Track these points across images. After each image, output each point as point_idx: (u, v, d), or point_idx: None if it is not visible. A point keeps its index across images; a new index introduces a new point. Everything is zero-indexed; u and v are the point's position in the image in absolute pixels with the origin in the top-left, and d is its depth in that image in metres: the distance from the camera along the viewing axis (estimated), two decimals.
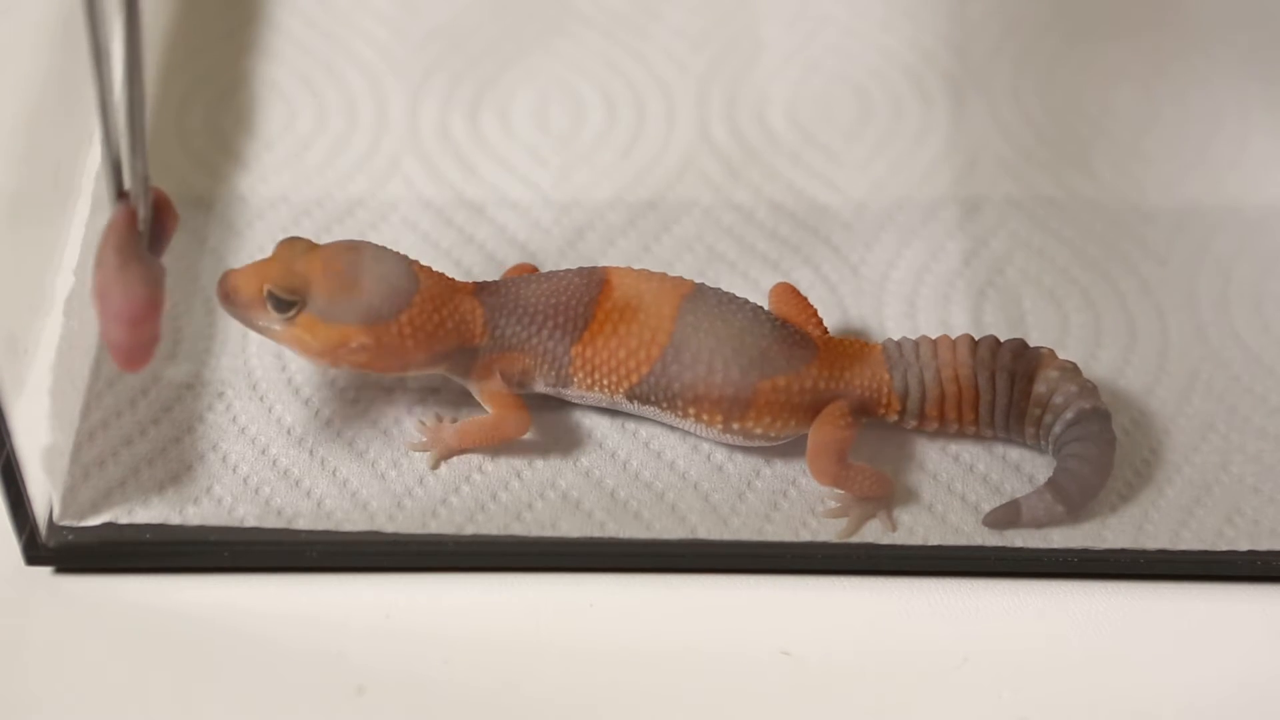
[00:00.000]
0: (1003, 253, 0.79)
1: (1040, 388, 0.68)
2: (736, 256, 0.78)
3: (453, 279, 0.69)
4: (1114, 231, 0.80)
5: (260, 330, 0.67)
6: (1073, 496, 0.67)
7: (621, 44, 0.89)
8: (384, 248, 0.68)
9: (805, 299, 0.72)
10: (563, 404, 0.71)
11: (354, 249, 0.67)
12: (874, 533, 0.68)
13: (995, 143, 0.84)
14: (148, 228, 0.62)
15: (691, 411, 0.68)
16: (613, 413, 0.71)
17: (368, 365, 0.67)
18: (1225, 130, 0.85)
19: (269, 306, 0.65)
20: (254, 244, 0.77)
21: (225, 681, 0.64)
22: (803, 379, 0.68)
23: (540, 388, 0.69)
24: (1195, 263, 0.79)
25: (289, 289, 0.65)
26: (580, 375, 0.68)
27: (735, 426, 0.68)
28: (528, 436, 0.70)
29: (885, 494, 0.68)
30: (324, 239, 0.77)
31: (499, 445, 0.69)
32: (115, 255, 0.61)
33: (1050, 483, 0.68)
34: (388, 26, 0.89)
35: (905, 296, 0.77)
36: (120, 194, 0.61)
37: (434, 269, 0.69)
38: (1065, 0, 0.92)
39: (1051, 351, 0.69)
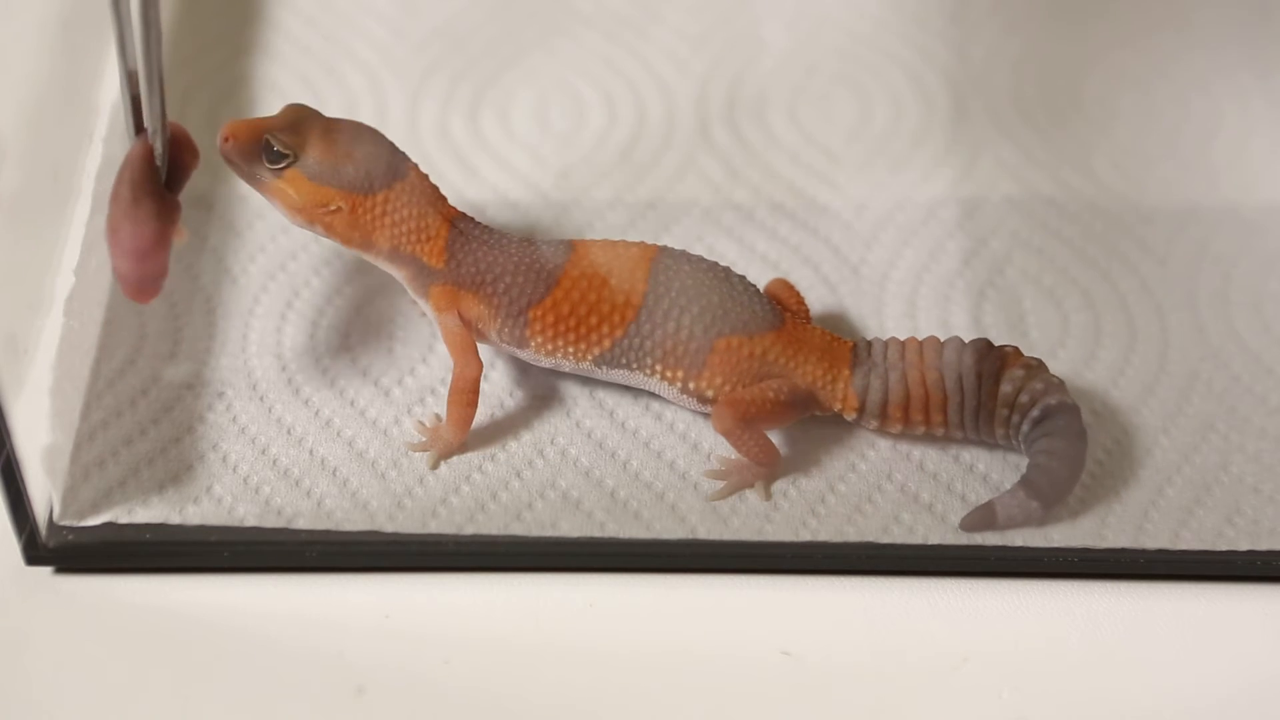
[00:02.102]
0: (1003, 253, 0.79)
1: (1006, 387, 0.68)
2: (736, 256, 0.78)
3: (444, 197, 0.70)
4: (1114, 231, 0.80)
5: (248, 178, 0.68)
6: (1046, 492, 0.67)
7: (621, 44, 0.89)
8: (387, 138, 0.70)
9: (798, 293, 0.72)
10: (563, 402, 0.71)
11: (359, 126, 0.70)
12: (874, 532, 0.68)
13: (995, 143, 0.84)
14: (164, 164, 0.65)
15: (658, 369, 0.68)
16: (613, 413, 0.71)
17: (337, 232, 0.68)
18: (1225, 130, 0.85)
19: (263, 156, 0.67)
20: (254, 244, 0.77)
21: (225, 682, 0.64)
22: (754, 345, 0.68)
23: (494, 340, 0.70)
24: (1195, 263, 0.79)
25: (286, 142, 0.67)
26: (539, 340, 0.68)
27: (691, 386, 0.68)
28: (528, 435, 0.70)
29: (770, 466, 0.68)
30: (325, 240, 0.77)
31: (476, 398, 0.69)
32: (128, 189, 0.64)
33: (1023, 481, 0.68)
34: (388, 26, 0.89)
35: (905, 296, 0.77)
36: (139, 130, 0.63)
37: (429, 179, 0.70)
38: (1065, 1, 0.92)
39: (1016, 350, 0.69)
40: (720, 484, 0.69)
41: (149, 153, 0.64)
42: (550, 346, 0.69)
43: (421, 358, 0.73)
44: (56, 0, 0.76)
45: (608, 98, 0.86)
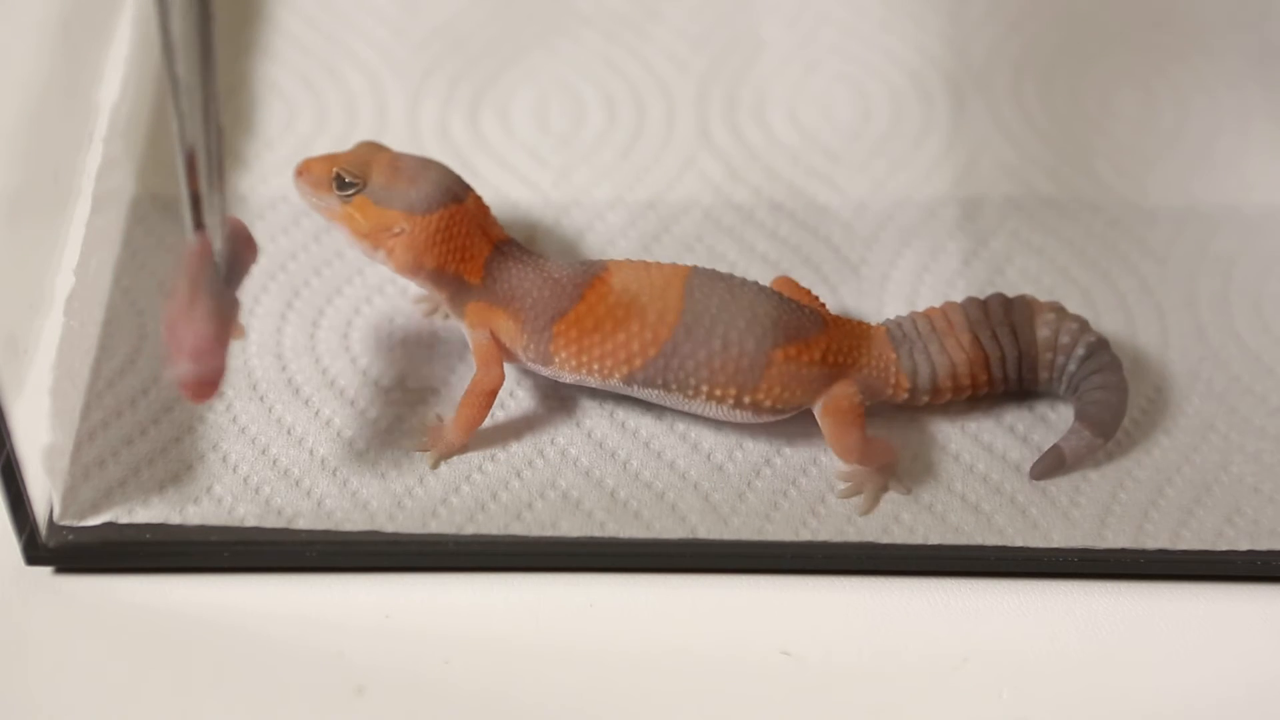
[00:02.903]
0: (1003, 253, 0.79)
1: (1044, 332, 0.70)
2: (736, 256, 0.78)
3: (496, 224, 0.71)
4: (1114, 231, 0.80)
5: (318, 207, 0.70)
6: (1107, 423, 0.69)
7: (621, 44, 0.88)
8: (452, 170, 0.71)
9: (805, 289, 0.72)
10: (563, 402, 0.71)
11: (426, 159, 0.71)
12: (874, 532, 0.68)
13: (995, 143, 0.84)
14: (224, 260, 0.63)
15: (704, 389, 0.68)
16: (613, 413, 0.71)
17: (396, 257, 0.69)
18: (1225, 131, 0.85)
19: (333, 186, 0.69)
20: None
21: (225, 681, 0.64)
22: (812, 349, 0.68)
23: (522, 358, 0.70)
24: (1195, 263, 0.79)
25: (354, 172, 0.69)
26: (563, 355, 0.68)
27: (746, 400, 0.68)
28: (528, 435, 0.70)
29: (895, 461, 0.69)
30: (324, 240, 0.77)
31: (487, 409, 0.69)
32: (187, 288, 0.61)
33: (1081, 418, 0.69)
34: (388, 26, 0.89)
35: (905, 296, 0.77)
36: (198, 226, 0.61)
37: (488, 208, 0.71)
38: (1065, 1, 0.92)
39: (1034, 297, 0.71)
40: (859, 498, 0.69)
41: (207, 250, 0.62)
42: (574, 362, 0.69)
43: (422, 358, 0.73)
44: (56, 0, 0.76)
45: (608, 98, 0.86)
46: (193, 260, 0.61)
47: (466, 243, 0.69)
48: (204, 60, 0.56)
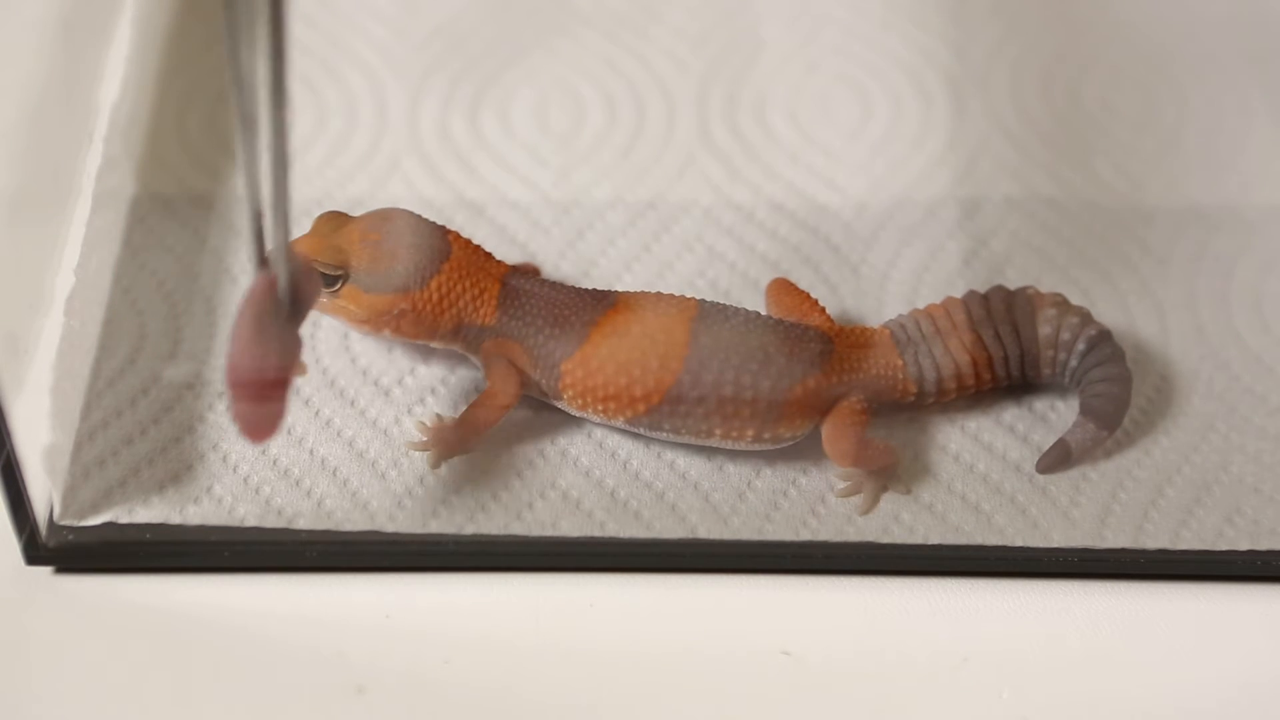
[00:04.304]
0: (1003, 253, 0.79)
1: (1045, 329, 0.70)
2: (736, 256, 0.78)
3: (488, 255, 0.70)
4: (1114, 231, 0.80)
5: None
6: (1111, 417, 0.69)
7: (621, 44, 0.89)
8: (419, 216, 0.70)
9: (803, 291, 0.72)
10: None
11: (389, 218, 0.69)
12: (874, 532, 0.68)
13: (995, 143, 0.84)
14: (287, 297, 0.60)
15: (718, 432, 0.67)
16: None
17: (404, 332, 0.69)
18: (1225, 130, 0.85)
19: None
20: None
21: (225, 681, 0.64)
22: (829, 375, 0.68)
23: (535, 390, 0.69)
24: (1195, 263, 0.79)
25: (332, 264, 0.67)
26: (570, 393, 0.68)
27: (766, 435, 0.68)
28: (528, 435, 0.70)
29: (895, 462, 0.69)
30: None
31: (497, 421, 0.69)
32: (250, 326, 0.60)
33: (1086, 412, 0.69)
34: (388, 26, 0.89)
35: (905, 296, 0.77)
36: (262, 261, 0.59)
37: (472, 242, 0.70)
38: (1065, 1, 0.92)
39: (1036, 289, 0.71)
40: (858, 497, 0.69)
41: (271, 286, 0.59)
42: (580, 401, 0.68)
43: (422, 358, 0.73)
44: (56, 0, 0.76)
45: (608, 98, 0.86)
46: (256, 299, 0.59)
47: (474, 291, 0.68)
48: (276, 94, 0.55)
